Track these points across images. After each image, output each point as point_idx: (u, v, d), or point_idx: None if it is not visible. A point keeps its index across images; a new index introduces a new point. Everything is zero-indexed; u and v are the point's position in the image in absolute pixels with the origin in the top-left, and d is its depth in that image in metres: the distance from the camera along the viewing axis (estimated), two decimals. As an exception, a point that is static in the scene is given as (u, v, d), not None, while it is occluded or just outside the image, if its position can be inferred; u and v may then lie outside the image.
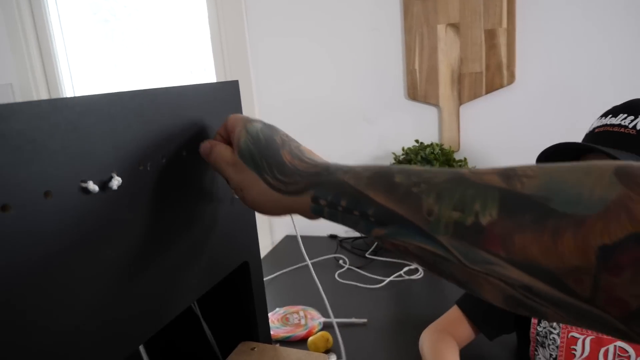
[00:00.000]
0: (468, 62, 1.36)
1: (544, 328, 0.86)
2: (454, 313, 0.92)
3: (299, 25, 1.51)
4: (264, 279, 1.31)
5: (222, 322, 0.71)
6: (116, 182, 0.43)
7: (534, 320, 0.87)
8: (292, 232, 1.67)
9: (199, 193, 0.55)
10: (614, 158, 0.70)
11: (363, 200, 0.35)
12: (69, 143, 0.37)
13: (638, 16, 1.24)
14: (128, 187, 0.43)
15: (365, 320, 1.06)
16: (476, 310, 0.90)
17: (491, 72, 1.34)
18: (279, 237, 1.66)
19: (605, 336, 0.80)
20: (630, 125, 0.75)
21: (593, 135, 0.80)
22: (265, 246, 1.61)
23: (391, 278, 1.26)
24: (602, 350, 0.81)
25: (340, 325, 1.05)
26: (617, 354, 0.80)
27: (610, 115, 0.79)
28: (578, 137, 0.87)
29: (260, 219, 1.71)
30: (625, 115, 0.77)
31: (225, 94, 0.62)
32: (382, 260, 1.38)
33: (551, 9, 1.29)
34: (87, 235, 0.39)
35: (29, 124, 0.34)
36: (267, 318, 0.72)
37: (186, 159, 0.52)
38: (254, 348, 0.68)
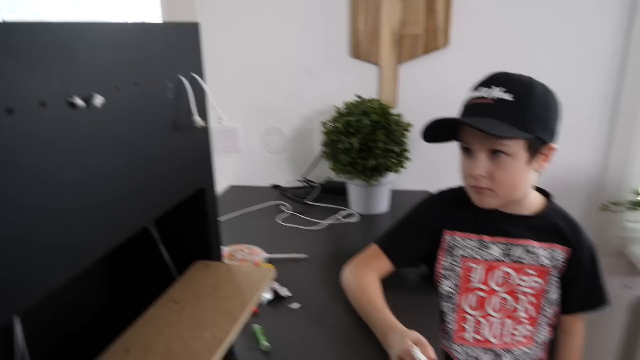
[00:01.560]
0: (408, 25, 1.46)
1: (450, 263, 1.01)
2: (372, 250, 1.05)
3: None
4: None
5: (179, 244, 0.79)
6: (99, 100, 0.49)
7: (439, 258, 1.02)
8: (235, 182, 1.74)
9: (165, 120, 0.62)
10: (476, 129, 0.85)
11: None
12: (59, 62, 0.43)
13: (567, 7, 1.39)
14: (107, 106, 0.49)
15: (306, 255, 1.17)
16: (391, 248, 1.04)
17: (429, 35, 1.46)
18: (222, 186, 1.73)
19: (494, 263, 0.98)
20: (488, 96, 0.88)
21: (465, 109, 0.93)
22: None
23: (330, 221, 1.37)
24: (492, 274, 0.99)
25: (282, 260, 1.15)
26: (502, 277, 0.98)
27: (475, 89, 0.92)
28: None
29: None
30: (484, 88, 0.90)
31: (188, 34, 0.68)
32: (321, 206, 1.49)
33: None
34: (72, 142, 0.45)
35: (27, 41, 0.40)
36: (219, 240, 0.80)
37: (154, 88, 0.58)
38: (208, 266, 0.76)
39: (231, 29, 1.59)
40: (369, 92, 1.54)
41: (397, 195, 1.50)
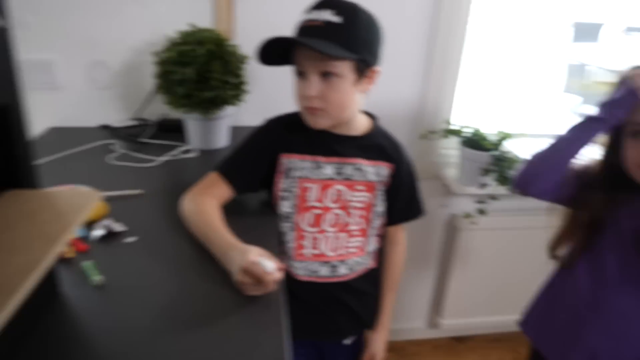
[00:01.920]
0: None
1: (287, 185, 1.06)
2: (212, 177, 1.05)
3: None
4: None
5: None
6: None
7: (277, 181, 1.06)
8: (56, 123, 1.56)
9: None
10: (309, 47, 0.89)
11: None
12: None
13: None
14: None
15: (141, 191, 1.12)
16: (231, 173, 1.05)
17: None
18: (40, 128, 1.53)
19: (328, 181, 1.05)
20: (319, 18, 0.92)
21: (297, 31, 0.96)
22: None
23: (166, 158, 1.33)
24: (326, 192, 1.06)
25: (115, 197, 1.08)
26: (336, 194, 1.06)
27: (307, 11, 0.95)
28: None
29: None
30: (315, 10, 0.93)
31: None
32: (157, 144, 1.42)
33: None
34: None
35: None
36: (32, 167, 0.70)
37: None
38: (21, 195, 0.67)
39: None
40: (203, 22, 1.47)
41: (238, 131, 1.49)
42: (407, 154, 1.14)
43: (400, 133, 1.69)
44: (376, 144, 1.08)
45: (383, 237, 1.19)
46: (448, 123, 1.66)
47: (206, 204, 0.99)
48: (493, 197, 1.64)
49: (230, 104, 1.32)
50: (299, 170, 1.05)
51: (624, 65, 0.91)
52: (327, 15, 0.91)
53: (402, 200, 1.14)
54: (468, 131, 1.60)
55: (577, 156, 1.01)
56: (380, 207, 1.11)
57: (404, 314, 2.10)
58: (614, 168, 0.97)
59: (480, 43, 1.73)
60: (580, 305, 1.06)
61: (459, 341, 2.18)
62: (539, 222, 1.79)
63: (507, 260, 1.93)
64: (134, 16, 1.47)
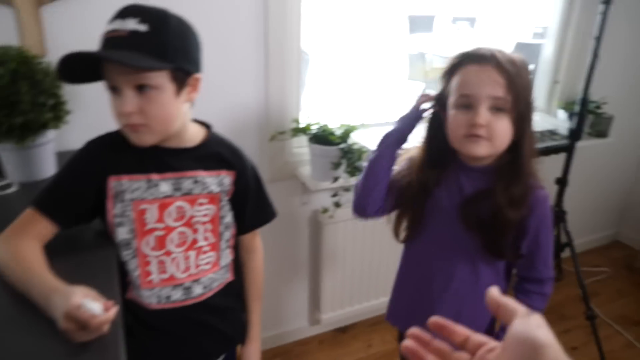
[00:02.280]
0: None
1: (121, 210, 0.96)
2: (28, 215, 0.92)
3: None
4: None
5: None
6: None
7: (109, 207, 0.96)
8: None
9: None
10: (114, 60, 0.83)
11: None
12: None
13: None
14: None
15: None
16: (51, 207, 0.93)
17: (66, -27, 1.31)
18: None
19: (166, 199, 0.97)
20: (122, 28, 0.84)
21: (103, 42, 0.87)
22: None
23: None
24: (166, 211, 0.99)
25: None
26: (177, 211, 1.00)
27: (110, 22, 0.87)
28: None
29: None
30: (118, 20, 0.86)
31: None
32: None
33: None
34: None
35: None
36: None
37: None
38: None
39: None
40: (7, 39, 1.31)
41: (65, 156, 1.33)
42: (248, 158, 1.10)
43: (249, 138, 1.71)
44: (214, 153, 1.03)
45: (237, 247, 1.15)
46: (297, 122, 1.68)
47: (23, 247, 0.87)
48: (346, 189, 1.68)
49: (50, 127, 1.19)
50: (132, 192, 0.96)
51: (454, 51, 1.03)
52: (132, 24, 0.84)
53: (251, 206, 1.10)
54: (315, 128, 1.63)
55: (390, 169, 1.12)
56: (228, 217, 1.06)
57: (285, 316, 2.09)
58: (434, 148, 1.07)
59: (322, 40, 1.78)
60: (425, 280, 1.14)
61: (343, 331, 2.23)
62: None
63: (370, 245, 2.01)
64: None
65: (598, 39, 1.82)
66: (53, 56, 1.34)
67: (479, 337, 0.45)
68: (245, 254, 1.18)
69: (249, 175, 1.08)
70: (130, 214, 0.97)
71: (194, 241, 1.02)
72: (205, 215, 1.02)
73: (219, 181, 1.02)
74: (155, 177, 0.97)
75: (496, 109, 0.95)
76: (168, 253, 1.00)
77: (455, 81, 0.99)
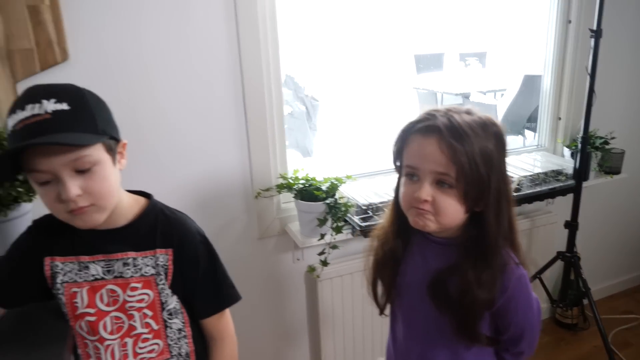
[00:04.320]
0: (15, 39, 1.31)
1: (56, 292, 0.92)
2: None
3: None
4: None
5: None
6: None
7: (50, 287, 0.93)
8: None
9: None
10: (55, 144, 0.75)
11: None
12: None
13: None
14: None
15: None
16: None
17: (42, 49, 1.33)
18: None
19: (97, 282, 0.92)
20: (42, 111, 0.77)
21: (16, 134, 0.77)
22: None
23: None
24: (97, 295, 0.92)
25: None
26: (109, 295, 0.92)
27: (18, 110, 0.78)
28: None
29: None
30: (31, 104, 0.77)
31: None
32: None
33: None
34: None
35: None
36: None
37: None
38: None
39: None
40: (-13, 116, 1.34)
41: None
42: (195, 231, 0.98)
43: (235, 196, 1.67)
44: (148, 229, 0.93)
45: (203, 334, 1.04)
46: (284, 177, 1.65)
47: None
48: (334, 247, 1.61)
49: (24, 201, 1.19)
50: (64, 274, 0.92)
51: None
52: (51, 106, 0.77)
53: (204, 287, 0.98)
54: (302, 183, 1.60)
55: None
56: (173, 303, 0.96)
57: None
58: (398, 216, 0.98)
59: (331, 84, 1.76)
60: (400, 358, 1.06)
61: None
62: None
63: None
64: None
65: (592, 75, 1.77)
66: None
67: None
68: (210, 341, 1.05)
69: (195, 251, 0.96)
70: (62, 297, 0.92)
71: (131, 328, 0.94)
72: (140, 301, 0.93)
73: (154, 261, 0.93)
74: (85, 258, 0.92)
75: (441, 183, 0.86)
76: (101, 340, 0.93)
77: (405, 149, 0.92)
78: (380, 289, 1.07)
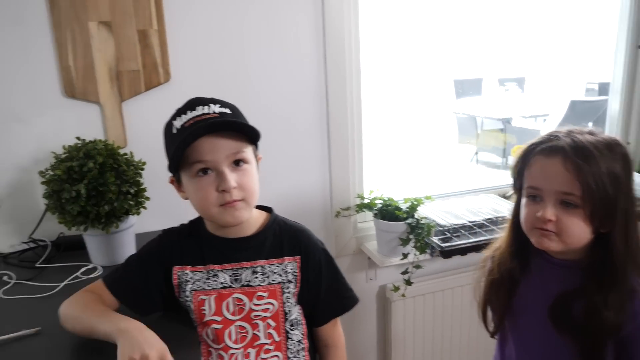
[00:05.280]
0: (124, 61, 1.40)
1: (184, 299, 0.97)
2: (98, 284, 0.99)
3: None
4: None
5: None
6: None
7: (177, 296, 0.98)
8: None
9: None
10: (238, 124, 0.89)
11: None
12: None
13: (270, 29, 1.52)
14: None
15: (38, 328, 0.99)
16: (116, 284, 0.98)
17: (148, 70, 1.42)
18: None
19: (224, 291, 0.96)
20: (210, 112, 0.89)
21: (185, 130, 0.88)
22: None
23: (66, 282, 1.21)
24: (224, 303, 0.96)
25: (7, 341, 0.95)
26: (235, 304, 0.96)
27: (188, 111, 0.90)
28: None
29: None
30: (201, 106, 0.90)
31: None
32: (55, 267, 1.30)
33: (195, 11, 1.45)
34: None
35: None
36: None
37: None
38: None
39: None
40: (94, 133, 1.42)
41: (143, 238, 1.39)
42: (316, 239, 1.03)
43: (314, 215, 1.72)
44: (274, 238, 0.98)
45: (316, 342, 1.07)
46: (361, 197, 1.68)
47: (91, 298, 0.93)
48: (417, 266, 1.61)
49: (132, 213, 1.25)
50: (193, 282, 0.97)
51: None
52: (218, 108, 0.90)
53: (327, 293, 1.01)
54: (380, 202, 1.63)
55: None
56: (295, 314, 0.99)
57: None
58: (516, 236, 1.00)
59: (372, 110, 1.81)
60: None
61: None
62: (466, 279, 1.84)
63: (449, 323, 1.91)
64: (16, 135, 1.39)
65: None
66: (133, 146, 1.45)
67: None
68: (323, 349, 1.08)
69: (318, 258, 1.00)
70: (190, 305, 0.97)
71: (255, 338, 0.97)
72: (265, 310, 0.96)
73: (282, 269, 0.97)
74: (214, 267, 0.97)
75: (566, 203, 0.87)
76: (225, 349, 0.96)
77: (527, 171, 0.93)
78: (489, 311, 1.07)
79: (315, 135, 1.65)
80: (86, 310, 0.90)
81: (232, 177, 0.88)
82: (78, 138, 1.28)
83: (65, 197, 1.16)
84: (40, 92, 1.38)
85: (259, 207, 1.03)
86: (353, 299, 1.06)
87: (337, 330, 1.08)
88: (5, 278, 1.24)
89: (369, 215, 1.72)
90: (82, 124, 1.42)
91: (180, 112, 0.92)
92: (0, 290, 1.17)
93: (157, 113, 1.47)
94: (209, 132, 0.87)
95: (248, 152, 0.91)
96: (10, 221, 1.44)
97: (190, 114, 0.89)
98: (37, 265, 1.31)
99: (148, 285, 0.98)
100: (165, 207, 1.49)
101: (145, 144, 1.45)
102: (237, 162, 0.90)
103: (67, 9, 1.34)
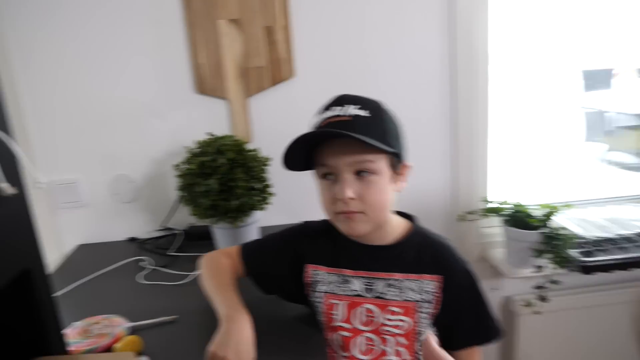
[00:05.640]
0: (251, 57, 1.43)
1: (314, 299, 0.95)
2: (235, 249, 1.03)
3: (72, 16, 1.38)
4: (57, 294, 1.19)
5: (4, 339, 0.63)
6: None
7: (308, 292, 0.96)
8: (85, 240, 1.54)
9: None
10: (349, 137, 0.79)
11: None
12: None
13: (393, 20, 1.47)
14: None
15: (175, 316, 1.04)
16: (249, 254, 1.01)
17: (273, 67, 1.44)
18: (69, 246, 1.51)
19: (356, 299, 0.91)
20: (344, 113, 0.83)
21: (325, 127, 0.84)
22: (54, 258, 1.44)
23: (197, 272, 1.26)
24: (354, 312, 0.91)
25: (149, 326, 1.01)
26: (366, 314, 0.91)
27: (325, 111, 0.86)
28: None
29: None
30: (336, 107, 0.85)
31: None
32: (186, 256, 1.37)
33: (321, 7, 1.44)
34: None
35: None
36: (60, 329, 0.66)
37: None
38: None
39: (59, 70, 1.41)
40: (221, 127, 1.47)
41: (266, 232, 1.42)
42: (462, 258, 0.92)
43: (435, 217, 1.64)
44: (415, 252, 0.90)
45: None
46: (486, 201, 1.57)
47: (225, 264, 0.98)
48: (554, 282, 1.45)
49: (257, 209, 1.27)
50: (325, 284, 0.94)
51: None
52: (353, 110, 0.83)
53: (467, 318, 0.91)
54: (509, 208, 1.50)
55: None
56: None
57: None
58: None
59: (499, 108, 1.67)
60: None
61: None
62: (611, 297, 1.66)
63: (582, 343, 1.74)
64: (152, 129, 1.48)
65: None
66: (257, 142, 1.48)
67: None
68: None
69: (462, 280, 0.90)
70: (321, 306, 0.94)
71: (383, 353, 0.90)
72: (396, 327, 0.89)
73: (419, 287, 0.89)
74: (348, 272, 0.93)
75: None
76: (351, 358, 0.91)
77: None
78: None
79: (438, 133, 1.56)
80: (215, 277, 0.95)
81: (350, 187, 0.83)
82: (210, 134, 1.33)
83: (198, 191, 1.21)
84: (174, 88, 1.45)
85: (400, 214, 0.97)
86: (496, 330, 0.93)
87: (476, 356, 0.96)
88: (142, 264, 1.33)
89: (494, 220, 1.59)
90: (210, 119, 1.48)
91: (323, 109, 0.88)
92: (142, 275, 1.26)
93: (280, 109, 1.50)
94: (324, 139, 0.85)
95: (377, 162, 0.84)
96: (146, 210, 1.55)
97: (326, 114, 0.86)
98: (169, 253, 1.39)
99: (278, 269, 0.98)
100: (287, 203, 1.52)
101: (269, 140, 1.47)
102: (362, 172, 0.84)
103: (200, 8, 1.39)
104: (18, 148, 0.59)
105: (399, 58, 1.50)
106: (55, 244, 1.53)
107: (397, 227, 0.93)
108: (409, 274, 0.89)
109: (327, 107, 0.87)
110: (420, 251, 0.91)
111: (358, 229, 0.87)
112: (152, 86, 1.45)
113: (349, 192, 0.83)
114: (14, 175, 0.58)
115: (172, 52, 1.43)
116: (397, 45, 1.49)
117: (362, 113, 0.83)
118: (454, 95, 1.53)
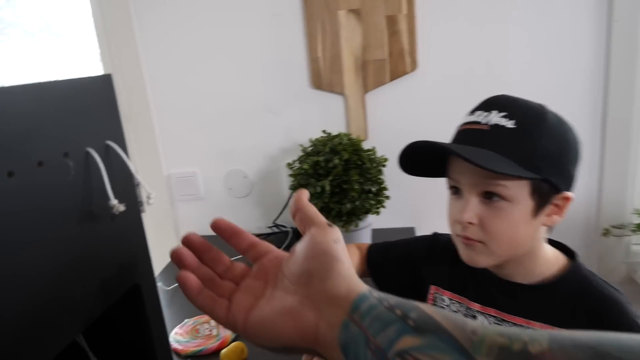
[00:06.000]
0: (371, 49, 1.33)
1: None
2: (362, 245, 0.97)
3: (192, 13, 1.40)
4: (169, 288, 1.22)
5: (115, 354, 0.62)
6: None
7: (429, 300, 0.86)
8: (199, 231, 1.55)
9: (65, 210, 0.46)
10: (461, 157, 0.65)
11: (410, 304, 0.34)
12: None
13: (536, 2, 1.28)
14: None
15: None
16: (374, 253, 0.94)
17: (394, 59, 1.33)
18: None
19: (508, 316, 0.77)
20: (484, 121, 0.69)
21: (457, 134, 0.74)
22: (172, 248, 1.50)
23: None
24: None
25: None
26: None
27: (470, 113, 0.73)
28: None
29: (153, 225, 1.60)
30: (481, 111, 0.71)
31: (97, 89, 0.52)
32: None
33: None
34: None
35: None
36: (167, 344, 0.64)
37: (51, 169, 0.42)
38: None
39: (179, 68, 1.45)
40: (336, 124, 1.41)
41: (378, 235, 1.34)
42: (632, 319, 0.67)
43: (573, 230, 1.43)
44: (567, 301, 0.71)
45: None
46: (638, 213, 1.33)
47: (353, 256, 0.92)
48: None
49: (371, 213, 1.19)
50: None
51: None
52: (496, 117, 0.68)
53: None
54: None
55: None
56: None
57: None
58: None
59: None
60: None
61: None
62: None
63: None
64: (268, 126, 1.46)
65: None
66: (373, 139, 1.39)
67: (264, 246, 0.44)
68: None
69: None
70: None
71: None
72: None
73: None
74: (475, 306, 0.78)
75: None
76: None
77: None
78: None
79: (584, 134, 1.34)
80: None
81: (471, 209, 0.70)
82: (324, 132, 1.27)
83: (310, 192, 1.15)
84: (290, 83, 1.42)
85: (557, 247, 0.77)
86: None
87: None
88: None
89: (649, 237, 1.35)
90: (326, 115, 1.42)
91: (472, 109, 0.74)
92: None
93: (399, 106, 1.39)
94: (446, 152, 0.72)
95: (513, 188, 0.67)
96: (259, 206, 1.54)
97: (468, 118, 0.73)
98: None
99: (398, 279, 0.91)
100: (403, 207, 1.42)
101: (386, 138, 1.38)
102: (492, 195, 0.69)
103: (319, 0, 1.33)
104: (132, 165, 0.56)
105: (540, 48, 1.31)
106: (175, 233, 1.59)
107: (546, 263, 0.74)
108: (554, 327, 0.70)
109: (475, 108, 0.73)
110: (574, 301, 0.71)
111: (477, 260, 0.73)
112: (268, 81, 1.42)
113: (468, 216, 0.69)
114: (127, 193, 0.55)
115: (289, 46, 1.39)
116: (537, 32, 1.30)
117: (506, 123, 0.68)
118: (605, 91, 1.31)
